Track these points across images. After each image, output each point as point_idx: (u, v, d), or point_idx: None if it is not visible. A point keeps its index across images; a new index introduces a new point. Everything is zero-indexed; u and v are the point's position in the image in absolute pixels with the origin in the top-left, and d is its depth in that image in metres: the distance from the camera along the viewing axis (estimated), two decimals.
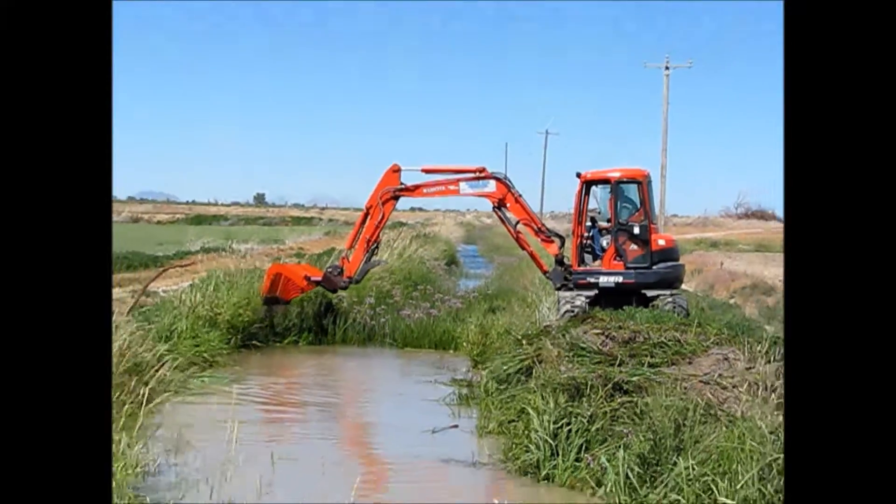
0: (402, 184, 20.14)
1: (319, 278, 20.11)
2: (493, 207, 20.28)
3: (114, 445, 8.98)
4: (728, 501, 7.67)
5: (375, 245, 20.53)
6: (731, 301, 27.12)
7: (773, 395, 10.11)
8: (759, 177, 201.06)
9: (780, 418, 9.24)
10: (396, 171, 20.01)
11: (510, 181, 20.10)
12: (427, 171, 20.24)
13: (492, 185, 19.88)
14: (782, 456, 8.28)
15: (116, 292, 18.75)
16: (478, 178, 19.95)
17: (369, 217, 20.14)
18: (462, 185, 20.05)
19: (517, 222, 20.09)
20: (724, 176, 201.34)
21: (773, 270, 32.91)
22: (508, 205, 19.87)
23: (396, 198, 20.37)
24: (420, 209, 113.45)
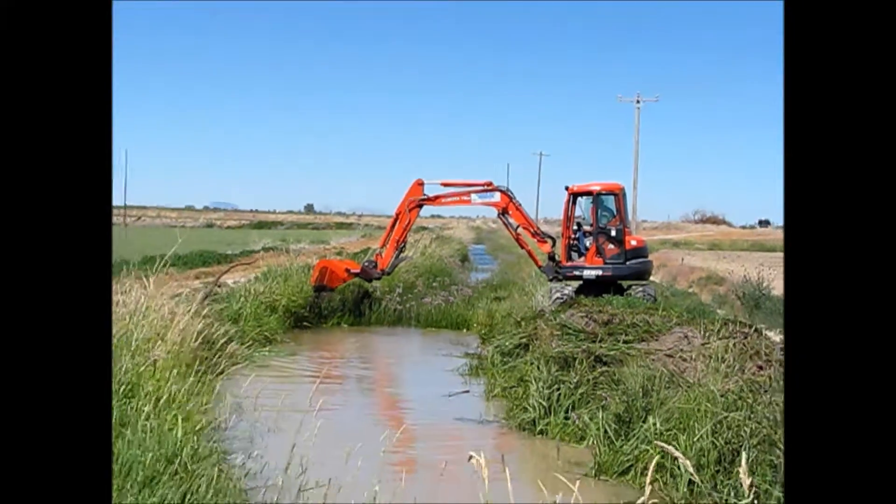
0: (424, 195, 20.18)
1: (358, 270, 20.22)
2: (498, 214, 20.28)
3: (192, 406, 9.03)
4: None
5: (403, 244, 20.55)
6: (690, 290, 27.08)
7: (723, 365, 10.08)
8: (713, 188, 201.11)
9: (730, 384, 9.26)
10: (420, 184, 20.08)
11: (512, 192, 20.08)
12: (445, 185, 20.23)
13: (497, 196, 19.87)
14: (731, 414, 8.33)
15: (195, 284, 18.78)
16: (486, 190, 19.95)
17: (398, 221, 20.22)
18: (473, 195, 20.06)
19: (517, 226, 20.11)
20: (685, 187, 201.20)
21: (724, 265, 32.60)
22: (510, 212, 19.86)
23: (420, 206, 20.40)
24: (438, 216, 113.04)
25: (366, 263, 20.55)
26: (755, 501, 6.62)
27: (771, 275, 25.26)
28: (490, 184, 20.00)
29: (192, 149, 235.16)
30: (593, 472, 8.70)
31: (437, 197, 20.40)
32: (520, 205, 20.17)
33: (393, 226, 20.44)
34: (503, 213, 19.96)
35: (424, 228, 66.32)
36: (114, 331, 10.88)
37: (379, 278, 20.46)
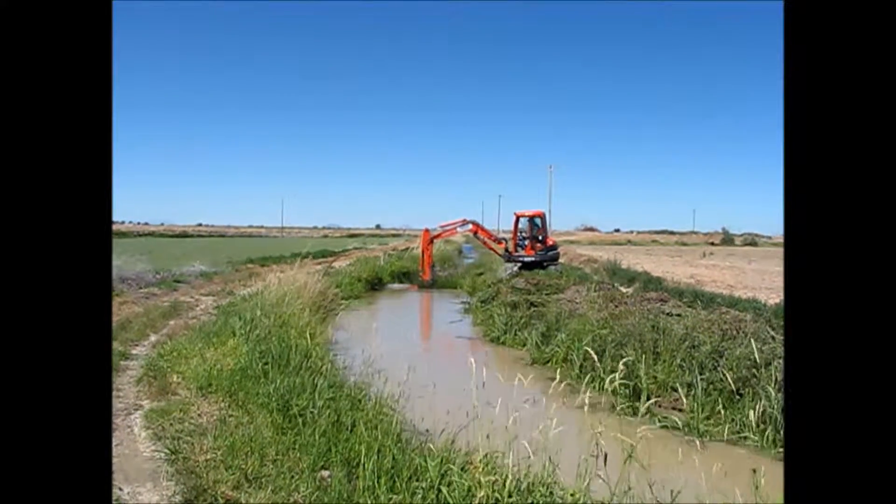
0: (432, 235, 19.90)
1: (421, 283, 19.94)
2: (474, 234, 20.24)
3: (313, 331, 8.40)
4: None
5: (433, 263, 20.40)
6: (579, 266, 26.86)
7: (596, 305, 10.01)
8: (591, 208, 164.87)
9: (600, 315, 9.06)
10: (427, 230, 19.85)
11: (478, 222, 20.06)
12: (442, 226, 20.00)
13: (469, 226, 19.78)
14: (600, 331, 8.15)
15: (316, 267, 18.25)
16: (464, 223, 19.80)
17: (425, 252, 19.92)
18: (458, 228, 19.97)
19: (483, 238, 20.13)
20: (576, 210, 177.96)
21: (596, 253, 32.58)
22: (478, 231, 19.85)
23: (432, 241, 20.18)
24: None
25: (420, 280, 20.10)
26: (606, 379, 6.61)
27: (620, 257, 25.27)
28: (466, 220, 19.75)
29: (326, 186, 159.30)
30: (530, 362, 8.64)
31: (439, 234, 20.10)
32: (484, 227, 20.09)
33: (423, 254, 20.07)
34: (475, 233, 19.89)
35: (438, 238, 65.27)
36: (276, 291, 10.84)
37: (430, 285, 19.87)
